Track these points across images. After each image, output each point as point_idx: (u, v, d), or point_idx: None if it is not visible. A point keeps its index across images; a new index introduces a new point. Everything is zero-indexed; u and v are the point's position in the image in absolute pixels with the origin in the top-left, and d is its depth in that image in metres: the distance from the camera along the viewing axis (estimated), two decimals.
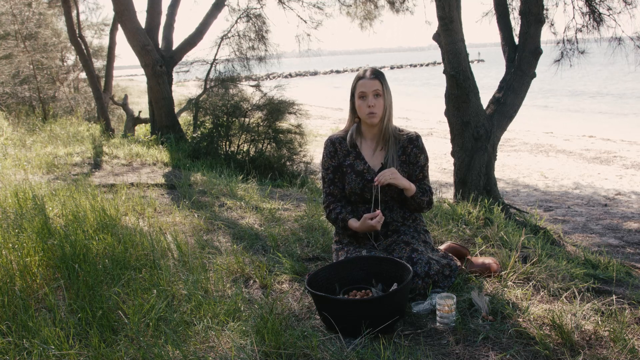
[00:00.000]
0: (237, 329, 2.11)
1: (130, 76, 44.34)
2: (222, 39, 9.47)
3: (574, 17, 6.61)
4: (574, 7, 6.57)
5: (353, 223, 2.63)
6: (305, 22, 10.53)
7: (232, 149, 7.95)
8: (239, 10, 9.62)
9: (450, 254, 2.69)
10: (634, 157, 11.08)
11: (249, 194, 4.61)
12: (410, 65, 75.41)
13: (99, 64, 14.34)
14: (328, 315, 2.11)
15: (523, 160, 11.34)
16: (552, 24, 6.88)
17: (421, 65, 75.95)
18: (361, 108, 2.65)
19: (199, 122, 8.39)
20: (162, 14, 8.85)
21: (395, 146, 2.69)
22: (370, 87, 2.62)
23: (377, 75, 2.65)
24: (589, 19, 6.52)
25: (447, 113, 5.44)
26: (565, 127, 16.56)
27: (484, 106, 5.53)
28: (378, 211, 2.52)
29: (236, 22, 9.52)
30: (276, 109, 8.07)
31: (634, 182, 8.99)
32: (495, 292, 2.44)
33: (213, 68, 9.42)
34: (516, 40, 5.79)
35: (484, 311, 2.23)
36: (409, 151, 2.69)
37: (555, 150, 12.40)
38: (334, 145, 2.76)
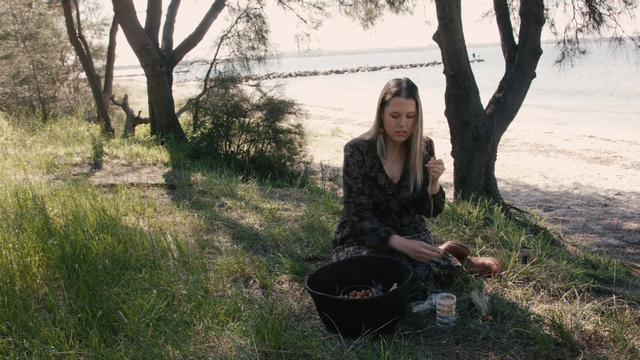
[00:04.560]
0: (237, 329, 2.11)
1: (130, 76, 44.30)
2: (222, 39, 9.47)
3: (574, 17, 6.61)
4: (574, 7, 6.58)
5: (397, 240, 2.47)
6: (305, 22, 10.54)
7: (232, 149, 7.95)
8: (239, 10, 9.63)
9: (450, 255, 2.69)
10: (634, 157, 11.08)
11: (249, 194, 4.61)
12: (410, 65, 75.39)
13: (99, 64, 14.33)
14: (328, 315, 2.11)
15: (523, 160, 11.34)
16: (552, 24, 6.88)
17: (421, 65, 75.94)
18: (391, 125, 2.50)
19: (199, 122, 8.39)
20: (162, 14, 8.84)
21: (421, 159, 2.59)
22: (406, 109, 2.45)
23: (413, 93, 2.47)
24: (589, 19, 6.53)
25: (447, 113, 5.44)
26: (565, 127, 16.57)
27: (484, 106, 5.53)
28: (439, 251, 2.47)
29: (236, 22, 9.52)
30: (276, 109, 8.08)
31: (634, 182, 8.99)
32: (495, 292, 2.44)
33: (213, 68, 9.42)
34: (516, 40, 5.79)
35: (484, 311, 2.23)
36: (425, 154, 2.67)
37: (555, 150, 12.40)
38: (361, 155, 2.59)
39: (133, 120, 11.38)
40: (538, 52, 5.59)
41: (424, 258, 2.42)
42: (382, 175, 2.62)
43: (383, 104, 2.52)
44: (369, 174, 2.62)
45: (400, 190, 2.63)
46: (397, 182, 2.64)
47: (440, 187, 2.66)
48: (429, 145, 2.69)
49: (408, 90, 2.47)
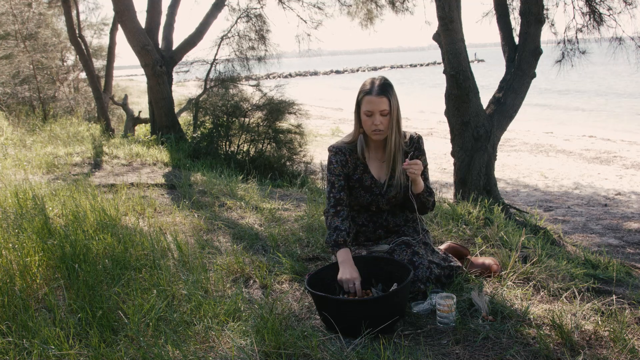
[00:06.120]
0: (237, 329, 2.11)
1: (130, 76, 44.30)
2: (222, 39, 9.47)
3: (574, 17, 6.61)
4: (574, 7, 6.58)
5: (343, 253, 2.41)
6: (306, 22, 10.54)
7: (232, 149, 7.95)
8: (239, 10, 9.63)
9: (450, 255, 2.69)
10: (634, 157, 11.08)
11: (249, 194, 4.61)
12: (410, 65, 75.40)
13: (99, 64, 14.33)
14: (328, 315, 2.11)
15: (523, 160, 11.34)
16: (552, 24, 6.89)
17: (421, 65, 75.94)
18: (366, 124, 2.50)
19: (199, 122, 8.40)
20: (162, 13, 8.84)
21: (401, 156, 2.59)
22: (378, 107, 2.44)
23: (385, 91, 2.45)
24: (589, 19, 6.53)
25: (447, 113, 5.44)
26: (565, 127, 16.57)
27: (484, 106, 5.53)
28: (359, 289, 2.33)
29: (236, 22, 9.52)
30: (276, 109, 8.08)
31: (634, 182, 8.99)
32: (495, 292, 2.44)
33: (213, 68, 9.42)
34: (516, 40, 5.79)
35: (484, 311, 2.23)
36: (411, 153, 2.62)
37: (555, 150, 12.40)
38: (344, 155, 2.61)
39: (133, 120, 11.38)
40: (538, 52, 5.60)
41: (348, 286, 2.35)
42: (368, 175, 2.63)
43: (358, 104, 2.53)
44: (353, 175, 2.63)
45: (388, 190, 2.63)
46: (384, 182, 2.63)
47: (427, 186, 2.62)
48: (417, 142, 2.64)
49: (380, 88, 2.46)
